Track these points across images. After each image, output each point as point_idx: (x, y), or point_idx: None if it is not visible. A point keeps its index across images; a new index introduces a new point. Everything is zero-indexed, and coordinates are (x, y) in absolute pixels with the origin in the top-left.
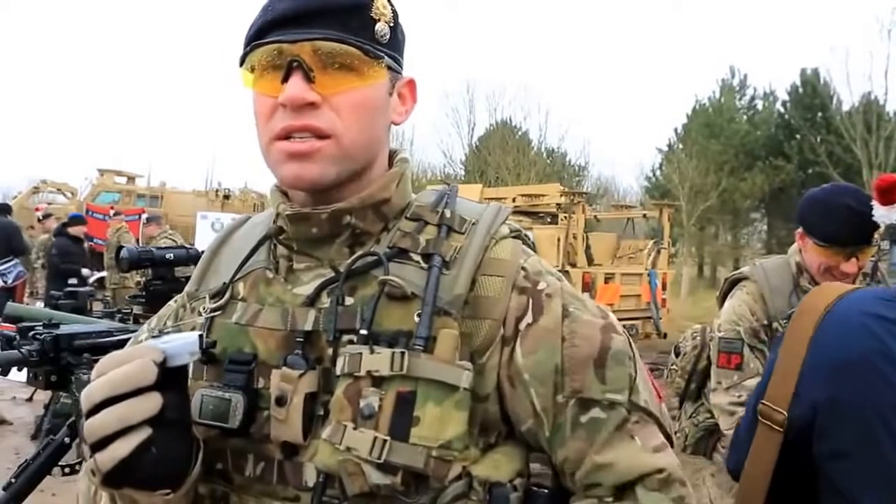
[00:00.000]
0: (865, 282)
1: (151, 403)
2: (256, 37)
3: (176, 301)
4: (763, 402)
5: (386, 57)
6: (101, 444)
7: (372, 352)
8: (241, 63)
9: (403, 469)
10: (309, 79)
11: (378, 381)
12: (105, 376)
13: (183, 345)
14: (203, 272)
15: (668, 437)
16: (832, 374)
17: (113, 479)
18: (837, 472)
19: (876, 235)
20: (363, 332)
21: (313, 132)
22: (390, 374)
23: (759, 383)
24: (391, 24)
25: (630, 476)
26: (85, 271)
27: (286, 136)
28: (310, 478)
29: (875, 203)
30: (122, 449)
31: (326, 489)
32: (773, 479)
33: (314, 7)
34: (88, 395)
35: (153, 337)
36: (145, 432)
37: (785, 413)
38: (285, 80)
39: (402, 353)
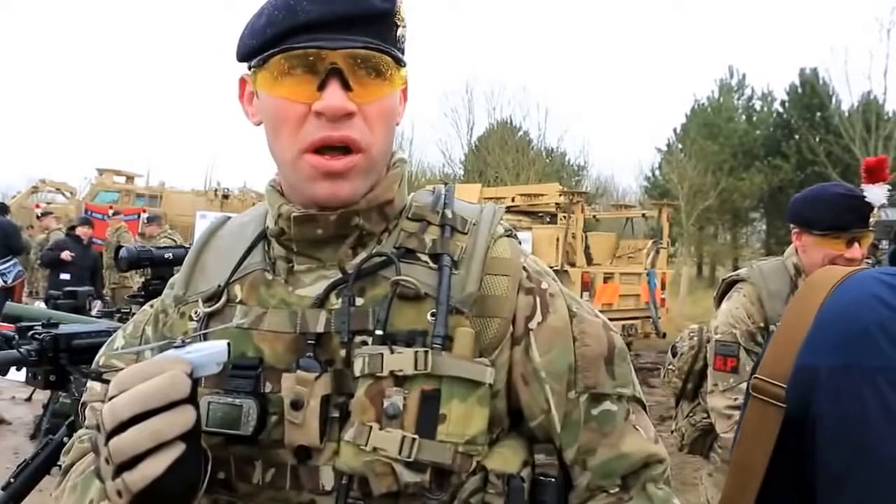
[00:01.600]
0: None
1: (186, 417)
2: (281, 38)
3: (153, 306)
4: (756, 376)
5: (405, 62)
6: (130, 464)
7: (392, 352)
8: (261, 63)
9: (432, 466)
10: (347, 87)
11: (401, 381)
12: (132, 391)
13: (210, 355)
14: (189, 275)
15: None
16: (842, 342)
17: (142, 499)
18: (839, 449)
19: (872, 220)
20: (379, 332)
21: (349, 144)
22: (414, 373)
23: (753, 366)
24: (405, 29)
25: (639, 464)
26: (65, 254)
27: (318, 149)
28: (327, 481)
29: (865, 185)
30: (156, 467)
31: (349, 491)
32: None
33: (351, 13)
34: (113, 412)
35: (175, 347)
36: (179, 448)
37: (783, 387)
38: (321, 86)
39: (426, 352)
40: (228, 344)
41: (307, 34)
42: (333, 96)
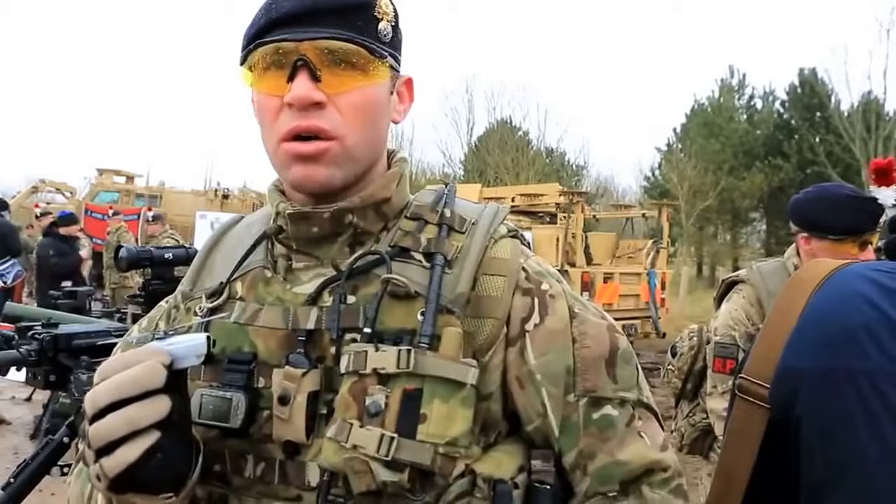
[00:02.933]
0: None
1: (160, 407)
2: (259, 35)
3: (167, 302)
4: (742, 375)
5: (388, 56)
6: (107, 449)
7: (377, 349)
8: (243, 62)
9: (410, 466)
10: (315, 78)
11: (384, 379)
12: (110, 379)
13: (190, 347)
14: (197, 272)
15: (662, 428)
16: (826, 344)
17: (119, 484)
18: (823, 453)
19: (882, 220)
20: (367, 330)
21: (319, 134)
22: (396, 371)
23: (739, 364)
24: (393, 24)
25: (640, 471)
26: (65, 284)
27: (293, 137)
28: (313, 477)
29: (874, 186)
30: (129, 454)
31: (331, 488)
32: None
33: (320, 6)
34: (93, 399)
35: (157, 339)
36: (153, 436)
37: (767, 387)
38: (291, 79)
39: (409, 351)
40: (208, 337)
41: (279, 29)
42: (299, 86)
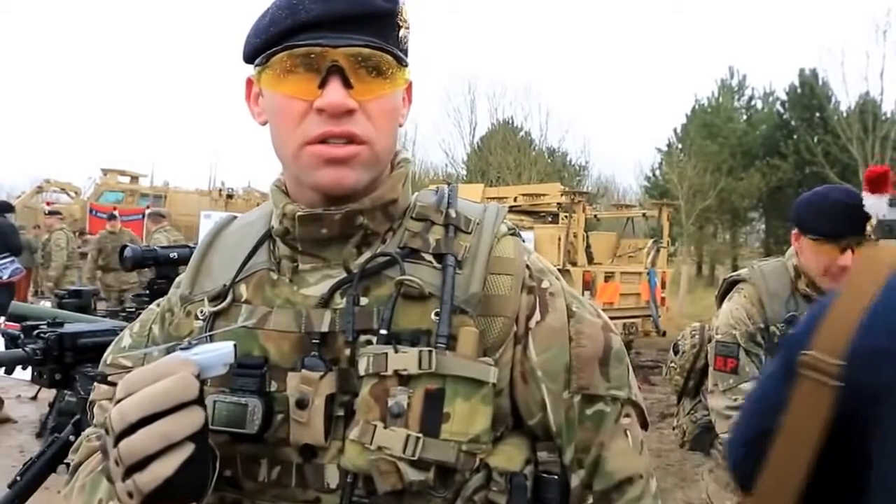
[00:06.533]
0: None
1: (195, 418)
2: (284, 36)
3: (159, 305)
4: (805, 352)
5: (407, 63)
6: (140, 465)
7: (397, 351)
8: (264, 61)
9: (436, 465)
10: (348, 84)
11: (405, 380)
12: (140, 393)
13: (218, 356)
14: (195, 274)
15: (645, 424)
16: None
17: (152, 500)
18: None
19: (869, 228)
20: (383, 331)
21: (351, 138)
22: (418, 372)
23: (791, 338)
24: (408, 31)
25: (620, 479)
26: None
27: (321, 140)
28: (331, 479)
29: (865, 193)
30: (166, 468)
31: (353, 489)
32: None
33: (352, 12)
34: (123, 414)
35: (182, 348)
36: (188, 448)
37: (839, 363)
38: (322, 84)
39: (430, 352)
40: (235, 345)
41: (309, 33)
42: (334, 93)
